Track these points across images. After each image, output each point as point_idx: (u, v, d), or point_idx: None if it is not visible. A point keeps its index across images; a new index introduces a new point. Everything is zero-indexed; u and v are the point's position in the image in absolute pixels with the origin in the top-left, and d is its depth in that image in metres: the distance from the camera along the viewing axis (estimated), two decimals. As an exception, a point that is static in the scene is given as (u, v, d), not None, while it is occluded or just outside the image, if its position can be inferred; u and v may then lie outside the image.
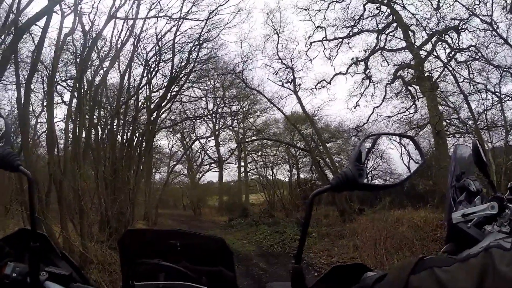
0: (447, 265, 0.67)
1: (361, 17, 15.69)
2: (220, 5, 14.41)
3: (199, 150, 26.39)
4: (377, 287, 0.79)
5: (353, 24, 15.93)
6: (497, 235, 1.86)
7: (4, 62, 7.70)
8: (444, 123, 13.82)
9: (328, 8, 16.05)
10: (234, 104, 22.81)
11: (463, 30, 12.92)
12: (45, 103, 13.69)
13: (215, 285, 1.04)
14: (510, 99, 11.41)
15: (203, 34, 15.06)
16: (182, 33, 14.74)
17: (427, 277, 0.68)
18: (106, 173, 11.19)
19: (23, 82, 8.71)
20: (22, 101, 7.97)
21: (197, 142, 25.62)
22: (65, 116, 12.78)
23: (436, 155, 13.03)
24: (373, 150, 0.92)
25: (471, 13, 12.13)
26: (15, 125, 8.59)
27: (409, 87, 15.28)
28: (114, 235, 9.95)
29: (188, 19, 14.24)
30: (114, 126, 12.90)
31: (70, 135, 9.66)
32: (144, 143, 14.68)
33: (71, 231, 8.76)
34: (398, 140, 1.02)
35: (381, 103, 16.05)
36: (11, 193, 11.04)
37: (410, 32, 14.37)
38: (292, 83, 17.05)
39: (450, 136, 14.18)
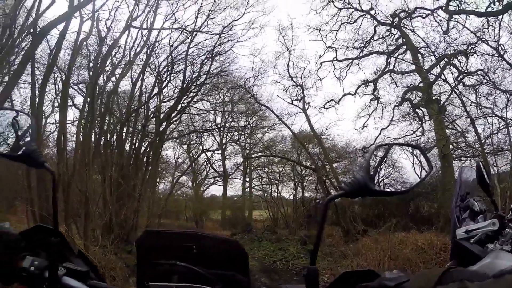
0: (479, 280, 0.64)
1: (372, 39, 15.95)
2: (234, 20, 14.71)
3: (205, 163, 26.46)
4: None
5: (363, 45, 16.18)
6: (499, 253, 1.90)
7: (22, 66, 7.88)
8: (451, 146, 13.83)
9: (339, 29, 16.31)
10: (242, 119, 22.96)
11: (471, 54, 13.08)
12: (55, 105, 13.97)
13: None
14: (516, 124, 11.44)
15: (216, 47, 15.31)
16: (195, 45, 15.00)
17: None
18: (113, 178, 11.23)
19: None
20: (36, 101, 8.12)
21: (203, 155, 25.71)
22: (74, 119, 13.01)
23: (441, 179, 12.95)
24: (385, 159, 0.96)
25: (479, 38, 12.30)
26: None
27: (416, 110, 15.33)
28: (116, 240, 9.95)
29: (202, 32, 14.53)
30: (123, 133, 13.02)
31: (80, 138, 9.76)
32: (151, 152, 14.76)
33: (75, 234, 8.78)
34: (408, 150, 1.06)
35: (388, 125, 16.16)
36: (16, 190, 11.07)
37: (419, 55, 14.52)
38: (301, 101, 17.17)
39: (456, 159, 14.17)
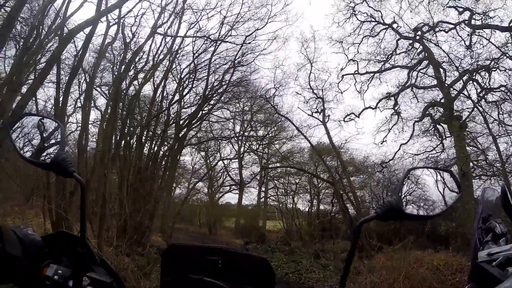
0: None
1: (394, 53, 15.87)
2: (258, 29, 14.83)
3: (222, 171, 26.61)
4: None
5: (385, 59, 16.12)
6: (519, 276, 1.87)
7: (48, 66, 8.11)
8: (471, 164, 13.48)
9: (361, 42, 16.37)
10: (260, 129, 23.07)
11: (494, 69, 12.82)
12: (78, 105, 14.35)
13: None
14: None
15: (239, 57, 15.44)
16: (218, 54, 15.17)
17: None
18: (131, 181, 11.36)
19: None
20: (60, 101, 8.34)
21: (220, 162, 25.92)
22: (95, 120, 13.32)
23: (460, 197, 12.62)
24: (409, 181, 0.98)
25: (503, 53, 12.04)
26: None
27: (437, 126, 15.07)
28: (129, 242, 10.04)
29: (225, 41, 14.68)
30: (143, 137, 13.21)
31: (100, 139, 9.94)
32: (169, 157, 14.90)
33: (89, 234, 8.89)
34: (438, 173, 1.08)
35: (408, 140, 15.94)
36: (34, 184, 11.30)
37: (441, 70, 14.29)
38: (322, 114, 17.12)
39: (476, 178, 13.77)
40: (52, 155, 0.99)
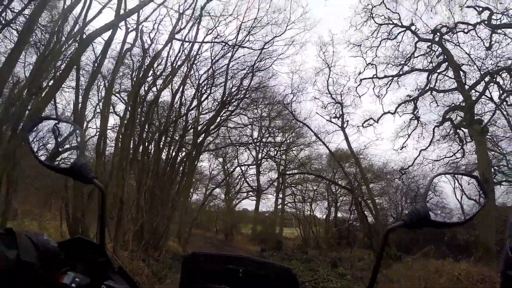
0: None
1: (412, 56, 15.60)
2: (276, 36, 14.84)
3: (239, 177, 26.59)
4: None
5: (403, 62, 15.86)
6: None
7: (67, 70, 8.28)
8: (492, 169, 13.05)
9: (379, 45, 16.17)
10: (278, 135, 22.99)
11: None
12: (97, 110, 14.60)
13: None
14: None
15: (256, 62, 15.45)
16: (235, 59, 15.23)
17: None
18: (149, 186, 11.44)
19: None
20: (79, 106, 8.50)
21: (238, 169, 25.88)
22: (114, 125, 13.53)
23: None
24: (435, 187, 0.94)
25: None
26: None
27: (458, 130, 14.70)
28: (145, 247, 10.08)
29: (243, 47, 14.74)
30: (161, 143, 13.33)
31: (119, 144, 10.05)
32: (187, 163, 14.99)
33: (106, 237, 8.95)
34: (459, 180, 1.04)
35: (428, 146, 15.67)
36: (53, 187, 11.45)
37: (461, 73, 13.91)
38: (340, 119, 16.96)
39: (497, 184, 13.32)
40: (70, 160, 0.98)
